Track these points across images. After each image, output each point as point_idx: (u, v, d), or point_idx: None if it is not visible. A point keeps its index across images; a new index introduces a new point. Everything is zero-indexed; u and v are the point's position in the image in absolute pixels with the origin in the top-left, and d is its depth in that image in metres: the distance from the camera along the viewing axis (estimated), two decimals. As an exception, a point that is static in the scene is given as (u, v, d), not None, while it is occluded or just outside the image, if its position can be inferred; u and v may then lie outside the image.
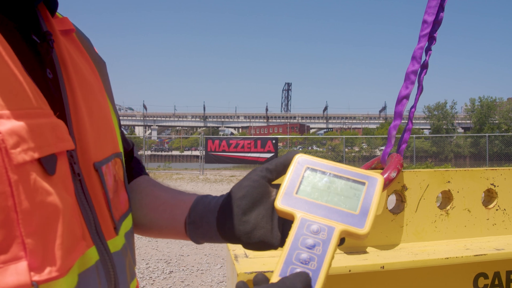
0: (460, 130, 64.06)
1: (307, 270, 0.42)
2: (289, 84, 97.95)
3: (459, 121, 64.35)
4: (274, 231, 0.54)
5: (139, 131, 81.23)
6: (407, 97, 1.21)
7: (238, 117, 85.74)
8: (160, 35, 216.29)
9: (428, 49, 1.22)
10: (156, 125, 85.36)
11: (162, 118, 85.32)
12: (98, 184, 0.49)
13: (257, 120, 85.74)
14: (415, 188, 1.18)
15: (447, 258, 1.05)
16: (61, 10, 0.58)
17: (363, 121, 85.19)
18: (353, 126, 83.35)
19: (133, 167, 0.75)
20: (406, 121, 1.28)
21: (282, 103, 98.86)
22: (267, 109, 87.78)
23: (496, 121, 47.26)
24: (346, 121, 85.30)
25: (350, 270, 0.98)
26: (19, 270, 0.33)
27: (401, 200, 1.20)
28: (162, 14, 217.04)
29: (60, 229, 0.37)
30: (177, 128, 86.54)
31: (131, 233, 0.60)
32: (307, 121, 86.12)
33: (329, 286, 0.99)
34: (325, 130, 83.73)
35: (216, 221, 0.57)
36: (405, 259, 1.03)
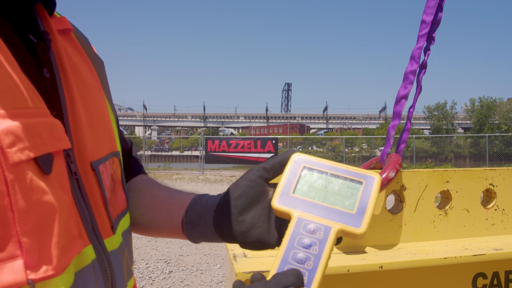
0: (460, 130, 64.06)
1: (304, 269, 0.42)
2: (289, 84, 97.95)
3: (459, 122, 64.37)
4: (271, 230, 0.54)
5: (139, 131, 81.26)
6: (405, 97, 1.21)
7: (238, 117, 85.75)
8: (160, 35, 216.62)
9: (426, 49, 1.22)
10: (156, 125, 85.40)
11: (162, 118, 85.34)
12: (95, 183, 0.49)
13: (257, 120, 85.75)
14: (414, 188, 1.19)
15: (446, 258, 1.05)
16: (61, 10, 0.58)
17: (363, 121, 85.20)
18: (353, 126, 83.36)
19: (131, 166, 0.75)
20: (405, 121, 1.28)
21: (282, 103, 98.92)
22: (267, 109, 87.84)
23: (496, 122, 47.28)
24: (346, 121, 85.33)
25: (348, 270, 0.98)
26: (15, 269, 0.33)
27: (399, 200, 1.20)
28: (162, 14, 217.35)
29: (56, 228, 0.37)
30: (177, 128, 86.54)
31: (128, 232, 0.60)
32: (307, 121, 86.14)
33: (327, 286, 0.99)
34: (325, 130, 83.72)
35: (213, 221, 0.57)
36: (404, 259, 1.03)
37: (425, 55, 1.23)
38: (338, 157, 28.32)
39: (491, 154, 25.03)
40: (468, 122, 56.41)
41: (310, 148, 41.36)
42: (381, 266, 1.00)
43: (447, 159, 32.51)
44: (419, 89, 1.25)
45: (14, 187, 0.33)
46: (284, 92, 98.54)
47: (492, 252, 1.09)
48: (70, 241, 0.40)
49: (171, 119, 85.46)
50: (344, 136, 23.89)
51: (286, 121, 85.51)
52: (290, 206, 0.48)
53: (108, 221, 0.51)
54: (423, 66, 1.23)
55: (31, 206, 0.35)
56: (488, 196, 1.28)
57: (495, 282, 1.11)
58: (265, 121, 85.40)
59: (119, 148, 0.61)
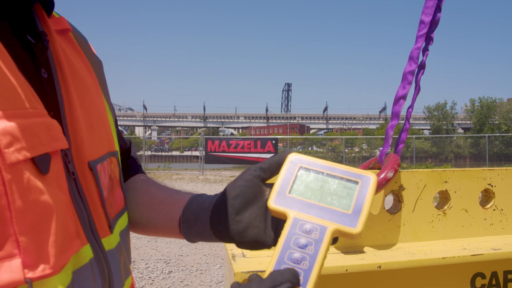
0: (460, 130, 64.02)
1: (299, 269, 0.43)
2: (289, 85, 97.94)
3: (459, 122, 64.34)
4: (267, 230, 0.54)
5: (139, 132, 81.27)
6: (404, 97, 1.21)
7: (238, 117, 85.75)
8: (160, 35, 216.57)
9: (425, 50, 1.22)
10: (156, 126, 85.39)
11: (162, 119, 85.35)
12: (92, 183, 0.49)
13: (257, 121, 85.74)
14: (412, 188, 1.19)
15: (444, 258, 1.05)
16: (60, 10, 0.58)
17: (363, 122, 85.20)
18: (353, 126, 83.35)
19: (130, 166, 0.76)
20: (404, 121, 1.28)
21: (282, 104, 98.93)
22: (267, 110, 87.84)
23: (496, 122, 47.23)
24: (346, 121, 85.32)
25: (347, 270, 0.98)
26: (13, 268, 0.33)
27: (398, 200, 1.20)
28: (162, 14, 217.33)
29: (53, 227, 0.37)
30: (177, 128, 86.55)
31: (126, 231, 0.60)
32: (307, 121, 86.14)
33: (326, 286, 0.99)
34: (325, 130, 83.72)
35: (209, 220, 0.57)
36: (402, 259, 1.04)
37: (423, 55, 1.23)
38: (338, 158, 28.31)
39: (491, 155, 25.02)
40: (468, 122, 56.39)
41: (310, 148, 41.33)
42: (380, 266, 1.00)
43: (447, 159, 32.49)
44: (417, 89, 1.25)
45: (11, 187, 0.34)
46: (284, 92, 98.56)
47: (490, 252, 1.09)
48: (68, 240, 0.40)
49: (171, 119, 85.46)
50: (344, 137, 23.89)
51: (286, 121, 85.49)
52: (286, 206, 0.48)
53: (105, 221, 0.51)
54: (422, 67, 1.23)
55: (28, 205, 0.35)
56: (487, 196, 1.29)
57: (494, 282, 1.11)
58: (265, 121, 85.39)
59: (117, 148, 0.62)
